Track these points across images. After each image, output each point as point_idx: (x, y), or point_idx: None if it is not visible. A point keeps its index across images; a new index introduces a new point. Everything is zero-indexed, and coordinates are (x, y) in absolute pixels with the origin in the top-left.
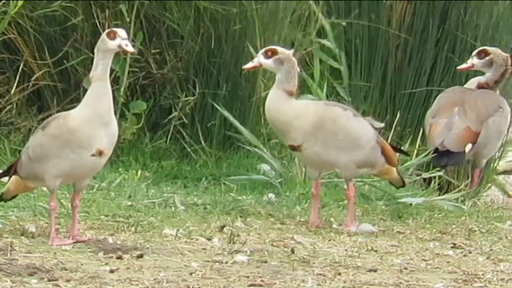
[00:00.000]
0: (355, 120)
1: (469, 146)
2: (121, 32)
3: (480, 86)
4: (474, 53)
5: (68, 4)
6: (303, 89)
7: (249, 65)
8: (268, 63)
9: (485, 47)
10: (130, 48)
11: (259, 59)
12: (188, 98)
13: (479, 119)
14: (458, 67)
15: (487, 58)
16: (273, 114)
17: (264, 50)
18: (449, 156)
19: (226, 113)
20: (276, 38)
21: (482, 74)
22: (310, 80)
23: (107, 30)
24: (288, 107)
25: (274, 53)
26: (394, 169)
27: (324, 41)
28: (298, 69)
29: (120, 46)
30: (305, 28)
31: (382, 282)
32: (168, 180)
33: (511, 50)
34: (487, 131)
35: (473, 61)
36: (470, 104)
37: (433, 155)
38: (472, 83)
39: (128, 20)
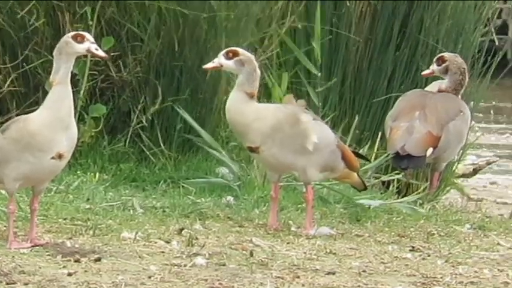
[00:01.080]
0: (315, 124)
1: (430, 150)
2: (89, 35)
3: (440, 91)
4: (435, 58)
5: (30, 6)
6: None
7: (209, 65)
8: (229, 64)
9: (442, 54)
10: (101, 53)
11: (220, 60)
12: (153, 104)
13: (440, 123)
14: (422, 73)
15: (443, 65)
16: (232, 115)
17: (225, 51)
18: (410, 160)
19: (186, 116)
20: (241, 41)
21: None
22: (272, 82)
23: (71, 33)
24: (247, 109)
25: (235, 54)
26: (355, 173)
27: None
28: (259, 72)
29: (89, 50)
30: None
31: (340, 285)
32: (126, 183)
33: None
34: (447, 135)
35: (433, 67)
36: (430, 108)
37: (393, 158)
38: (433, 86)
39: (90, 23)
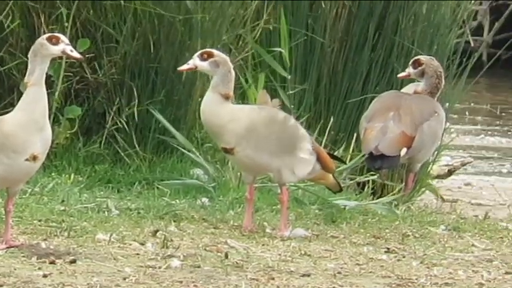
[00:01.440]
0: (290, 125)
1: (403, 150)
2: (63, 37)
3: (416, 93)
4: (411, 61)
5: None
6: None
7: (184, 67)
8: (204, 65)
9: (419, 57)
10: (76, 54)
11: (195, 61)
12: (128, 105)
13: (414, 124)
14: (399, 75)
15: (420, 68)
16: (207, 116)
17: (199, 52)
18: (384, 160)
19: (160, 117)
20: (215, 43)
21: None
22: (248, 83)
23: (46, 35)
24: (222, 110)
25: (210, 55)
26: (330, 175)
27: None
28: (234, 73)
29: (64, 52)
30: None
31: (315, 286)
32: (101, 184)
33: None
34: (421, 135)
35: (409, 70)
36: (405, 109)
37: (367, 159)
38: (409, 88)
39: (66, 24)
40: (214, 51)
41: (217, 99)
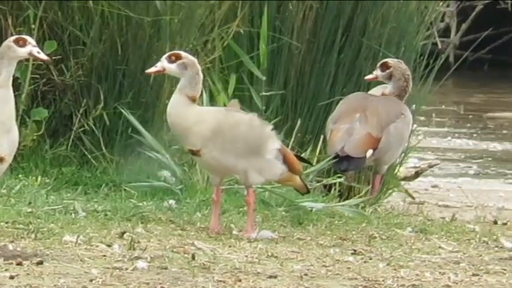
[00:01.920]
0: (256, 127)
1: (369, 152)
2: (30, 39)
3: (383, 95)
4: (378, 64)
5: None
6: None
7: (152, 69)
8: (171, 67)
9: (387, 60)
10: (43, 56)
11: (163, 64)
12: (95, 108)
13: (380, 125)
14: (366, 77)
15: (387, 71)
16: (173, 118)
17: (167, 54)
18: (350, 161)
19: (130, 117)
20: (184, 45)
21: None
22: (217, 87)
23: (13, 37)
24: (188, 112)
25: (178, 57)
26: (297, 176)
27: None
28: (202, 76)
29: (31, 53)
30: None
31: None
32: (68, 186)
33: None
34: (388, 137)
35: (377, 73)
36: (371, 110)
37: (333, 160)
38: (377, 90)
39: (33, 26)
40: (182, 53)
41: (184, 101)
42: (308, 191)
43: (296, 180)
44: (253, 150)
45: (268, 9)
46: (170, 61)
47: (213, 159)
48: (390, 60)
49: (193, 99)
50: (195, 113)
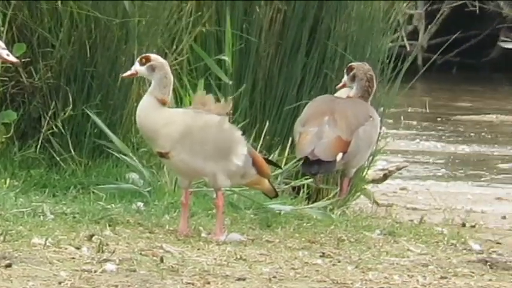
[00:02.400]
0: (226, 130)
1: (339, 155)
2: (0, 41)
3: (349, 98)
4: (345, 69)
5: None
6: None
7: (127, 73)
8: (142, 70)
9: (351, 63)
10: (12, 58)
11: (135, 67)
12: (64, 110)
13: (350, 129)
14: (337, 86)
15: (351, 73)
16: (142, 120)
17: (139, 57)
18: (320, 165)
19: (97, 120)
20: (151, 47)
21: None
22: (186, 89)
23: None
24: (157, 115)
25: (147, 60)
26: (266, 179)
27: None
28: (172, 78)
29: (0, 56)
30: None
31: None
32: (37, 189)
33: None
34: (357, 140)
35: (344, 78)
36: (340, 113)
37: (303, 164)
38: (343, 92)
39: (2, 28)
40: (152, 56)
41: (153, 103)
42: (276, 195)
43: (265, 184)
44: (221, 153)
45: (235, 11)
46: (141, 64)
47: (182, 161)
48: (354, 63)
49: (163, 102)
50: (163, 115)
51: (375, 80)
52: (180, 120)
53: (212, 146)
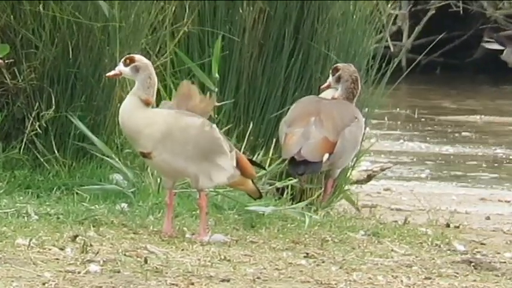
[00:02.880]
0: (207, 131)
1: (325, 156)
2: None
3: (334, 99)
4: (331, 70)
5: None
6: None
7: (111, 73)
8: (126, 70)
9: (337, 64)
10: None
11: (119, 67)
12: (47, 111)
13: (336, 129)
14: (322, 86)
15: (337, 75)
16: (124, 121)
17: (123, 58)
18: (307, 165)
19: (78, 123)
20: (133, 49)
21: None
22: (170, 90)
23: None
24: (140, 115)
25: (131, 60)
26: (250, 180)
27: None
28: (156, 79)
29: None
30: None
31: None
32: (21, 190)
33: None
34: (343, 141)
35: (330, 79)
36: (326, 114)
37: (289, 164)
38: (327, 93)
39: None
40: (136, 56)
41: (136, 103)
42: (260, 196)
43: (248, 185)
44: (204, 154)
45: (217, 12)
46: (125, 64)
47: (164, 161)
48: (340, 64)
49: (146, 103)
50: (145, 116)
51: (359, 82)
52: (162, 121)
53: (193, 147)
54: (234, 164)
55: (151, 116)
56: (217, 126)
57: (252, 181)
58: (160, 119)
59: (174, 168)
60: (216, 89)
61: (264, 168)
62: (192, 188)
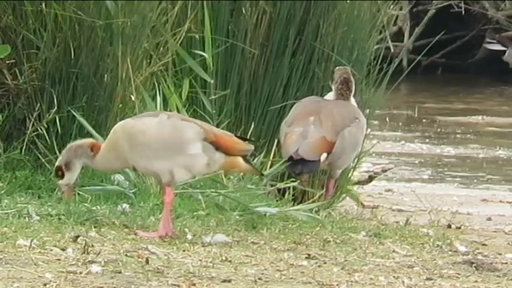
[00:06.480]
0: (168, 126)
1: (324, 156)
2: None
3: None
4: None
5: None
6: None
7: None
8: (64, 180)
9: (337, 67)
10: None
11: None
12: (49, 112)
13: (335, 129)
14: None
15: (333, 76)
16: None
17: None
18: (304, 164)
19: (83, 121)
20: (136, 49)
21: None
22: (170, 90)
23: None
24: (105, 152)
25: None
26: (240, 160)
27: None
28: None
29: None
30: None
31: None
32: (22, 190)
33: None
34: (342, 141)
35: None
36: (326, 114)
37: (287, 163)
38: (331, 95)
39: None
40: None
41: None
42: (261, 174)
43: (241, 165)
44: (172, 148)
45: (214, 12)
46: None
47: (145, 168)
48: (338, 67)
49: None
50: (109, 143)
51: (351, 83)
52: (121, 132)
53: (161, 145)
54: (213, 148)
55: (117, 130)
56: (218, 127)
57: (245, 160)
58: (121, 133)
59: (154, 172)
60: (212, 81)
61: (253, 141)
62: (194, 188)
